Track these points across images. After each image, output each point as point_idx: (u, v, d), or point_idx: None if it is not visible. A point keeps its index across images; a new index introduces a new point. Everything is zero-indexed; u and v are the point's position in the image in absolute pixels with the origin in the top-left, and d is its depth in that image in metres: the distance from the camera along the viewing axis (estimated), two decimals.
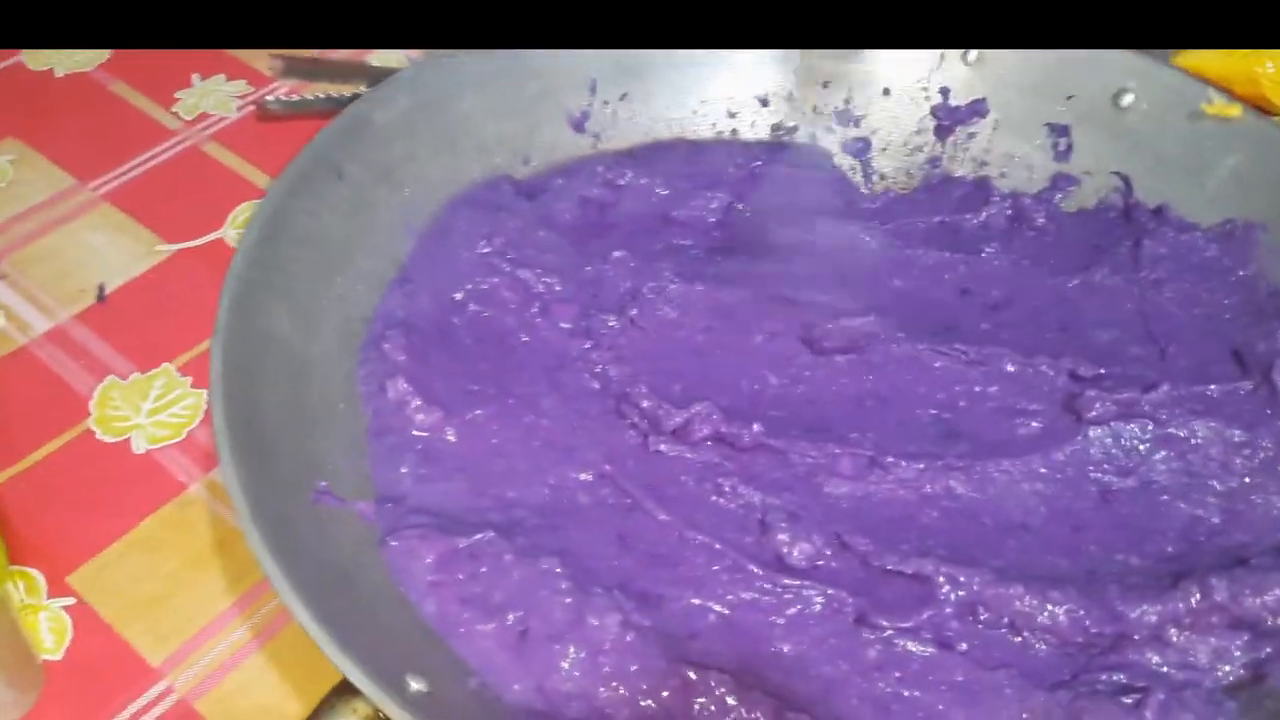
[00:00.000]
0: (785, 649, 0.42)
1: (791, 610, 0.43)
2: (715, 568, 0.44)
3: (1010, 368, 0.51)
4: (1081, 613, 0.42)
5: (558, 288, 0.54)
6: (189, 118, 0.72)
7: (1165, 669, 0.42)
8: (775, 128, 0.63)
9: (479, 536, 0.43)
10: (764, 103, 0.63)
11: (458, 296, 0.53)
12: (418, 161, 0.55)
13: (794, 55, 0.62)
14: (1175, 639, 0.42)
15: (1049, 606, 0.43)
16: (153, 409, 0.58)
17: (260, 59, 0.75)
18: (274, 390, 0.44)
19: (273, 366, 0.45)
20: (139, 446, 0.56)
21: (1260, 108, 0.70)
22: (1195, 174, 0.56)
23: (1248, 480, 0.47)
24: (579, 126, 0.61)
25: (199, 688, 0.48)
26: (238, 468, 0.38)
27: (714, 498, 0.47)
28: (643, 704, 0.40)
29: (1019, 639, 0.43)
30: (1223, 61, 0.70)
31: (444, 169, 0.56)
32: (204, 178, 0.69)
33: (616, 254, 0.55)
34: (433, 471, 0.47)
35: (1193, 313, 0.53)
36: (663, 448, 0.48)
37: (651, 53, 0.61)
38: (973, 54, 0.61)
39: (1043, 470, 0.48)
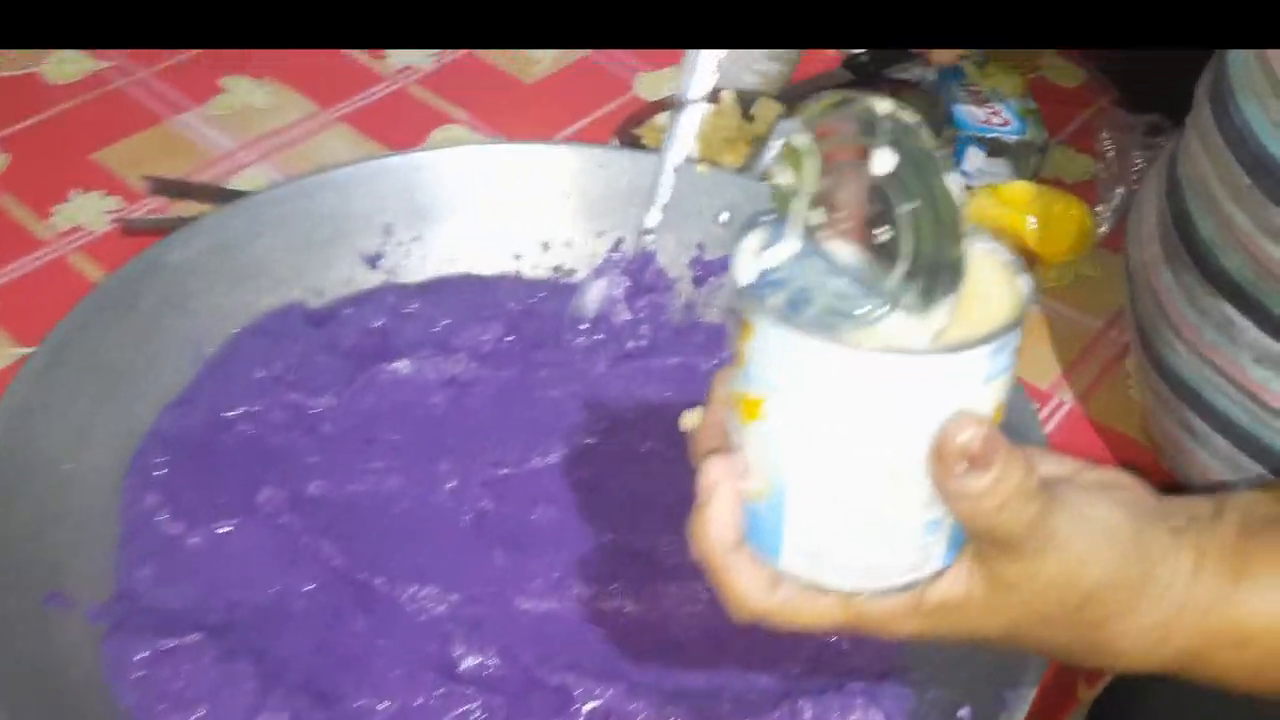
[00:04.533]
0: None
1: (453, 713, 0.51)
2: (396, 672, 0.52)
3: None
4: None
5: (323, 408, 0.62)
6: (63, 229, 0.81)
7: None
8: (555, 269, 0.71)
9: (188, 637, 0.51)
10: (545, 247, 0.71)
11: (229, 416, 0.61)
12: (213, 295, 0.63)
13: (569, 201, 0.70)
14: None
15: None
16: None
17: (135, 178, 0.84)
18: (28, 502, 0.52)
19: (35, 480, 0.53)
20: None
21: (1028, 259, 0.77)
22: None
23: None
24: (373, 264, 0.69)
25: None
26: None
27: (410, 607, 0.54)
28: None
29: None
30: (995, 214, 0.77)
31: (238, 301, 0.64)
32: (66, 288, 0.77)
33: (392, 366, 0.64)
34: (170, 575, 0.54)
35: None
36: None
37: (444, 198, 0.69)
38: (724, 215, 0.69)
39: (706, 595, 0.55)
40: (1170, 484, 0.64)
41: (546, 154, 0.70)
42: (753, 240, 0.35)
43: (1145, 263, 0.61)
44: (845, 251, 0.34)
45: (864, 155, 0.33)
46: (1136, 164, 0.79)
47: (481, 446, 0.61)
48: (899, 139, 0.33)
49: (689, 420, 0.39)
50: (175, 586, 0.54)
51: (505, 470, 0.60)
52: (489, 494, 0.59)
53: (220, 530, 0.56)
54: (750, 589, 0.37)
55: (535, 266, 0.71)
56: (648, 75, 0.92)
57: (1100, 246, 0.79)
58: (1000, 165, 0.82)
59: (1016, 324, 0.33)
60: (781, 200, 0.34)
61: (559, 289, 0.70)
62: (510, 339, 0.67)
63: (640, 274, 0.68)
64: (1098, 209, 0.79)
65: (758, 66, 0.84)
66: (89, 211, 0.82)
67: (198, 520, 0.56)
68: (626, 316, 0.68)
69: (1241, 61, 0.53)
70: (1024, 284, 0.34)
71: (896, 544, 0.35)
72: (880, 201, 0.33)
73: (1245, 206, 0.51)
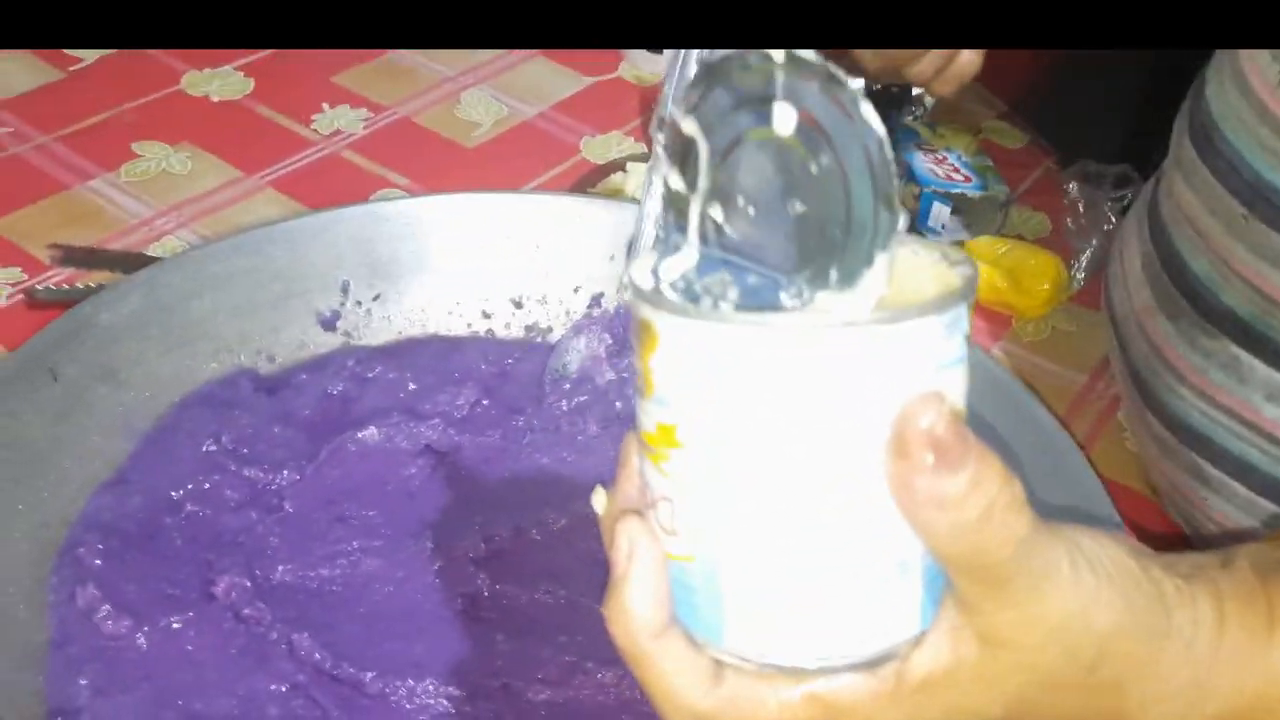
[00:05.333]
0: None
1: None
2: None
3: None
4: None
5: (284, 484, 0.54)
6: None
7: None
8: (529, 328, 0.65)
9: None
10: (518, 304, 0.65)
11: (175, 496, 0.53)
12: (147, 361, 0.55)
13: (542, 254, 0.65)
14: None
15: None
16: None
17: (39, 247, 0.76)
18: None
19: None
20: None
21: (1005, 313, 0.75)
22: None
23: None
24: (329, 325, 0.62)
25: None
26: None
27: (407, 705, 0.46)
28: None
29: None
30: None
31: (177, 368, 0.56)
32: None
33: (359, 435, 0.56)
34: (114, 683, 0.45)
35: None
36: None
37: (406, 252, 0.63)
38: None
39: None
40: (1177, 537, 0.62)
41: (516, 204, 0.65)
42: (649, 254, 0.29)
43: (1135, 310, 0.59)
44: (756, 240, 0.28)
45: (763, 118, 0.27)
46: (1108, 215, 0.78)
47: (468, 520, 0.54)
48: (797, 88, 0.26)
49: (599, 500, 0.31)
50: (121, 697, 0.45)
51: (498, 545, 0.53)
52: (482, 573, 0.51)
53: (173, 626, 0.47)
54: (685, 685, 0.29)
55: (508, 325, 0.65)
56: (594, 139, 0.88)
57: (1072, 301, 0.78)
58: (965, 221, 0.81)
59: (966, 296, 0.27)
60: (675, 204, 0.29)
61: (534, 349, 0.64)
62: (485, 403, 0.60)
63: (623, 330, 0.63)
64: (1070, 263, 0.78)
65: None
66: None
67: (144, 616, 0.47)
68: (610, 376, 0.62)
69: (1221, 95, 0.52)
70: (967, 267, 0.28)
71: (861, 594, 0.28)
72: (790, 166, 0.27)
73: (1243, 238, 0.50)
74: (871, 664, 0.29)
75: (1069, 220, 0.80)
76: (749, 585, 0.28)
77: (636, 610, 0.28)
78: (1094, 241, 0.78)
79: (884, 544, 0.28)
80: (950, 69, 0.70)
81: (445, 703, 0.46)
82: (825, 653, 0.28)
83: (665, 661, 0.29)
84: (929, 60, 0.68)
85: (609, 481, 0.56)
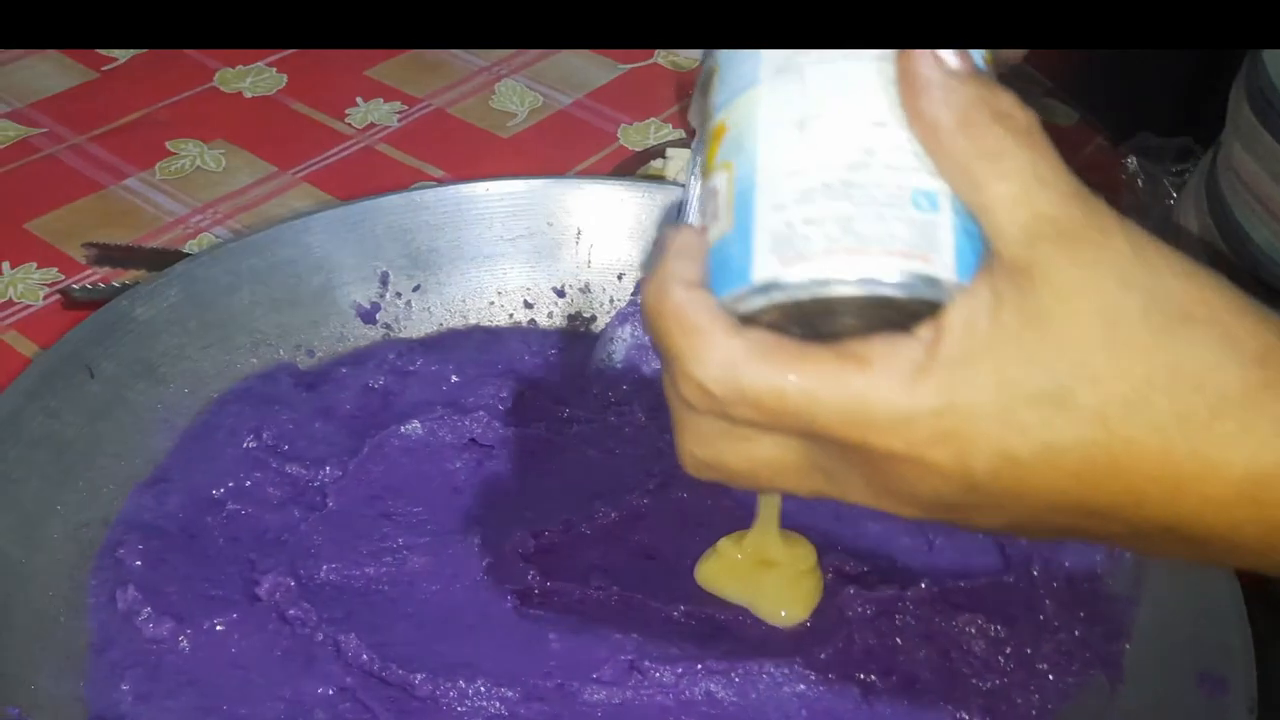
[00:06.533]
0: None
1: None
2: None
3: None
4: None
5: (326, 481, 0.53)
6: None
7: None
8: (572, 317, 0.63)
9: None
10: (560, 293, 0.63)
11: (216, 494, 0.51)
12: (186, 356, 0.54)
13: (585, 242, 0.63)
14: None
15: None
16: None
17: (74, 247, 0.75)
18: None
19: None
20: None
21: None
22: None
23: (1008, 679, 0.46)
24: (369, 318, 0.60)
25: None
26: None
27: (459, 707, 0.45)
28: None
29: None
30: None
31: (216, 363, 0.55)
32: (1, 367, 0.67)
33: (402, 430, 0.55)
34: (157, 688, 0.44)
35: None
36: None
37: (446, 242, 0.61)
38: None
39: (805, 671, 0.46)
40: None
41: (556, 189, 0.63)
42: None
43: None
44: None
45: None
46: (1168, 189, 0.75)
47: (516, 515, 0.52)
48: None
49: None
50: (164, 702, 0.43)
51: (547, 541, 0.51)
52: (532, 569, 0.49)
53: (216, 628, 0.46)
54: (711, 329, 0.27)
55: (550, 315, 0.63)
56: (631, 127, 0.86)
57: None
58: None
59: None
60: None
61: (578, 339, 0.62)
62: (530, 395, 0.58)
63: None
64: None
65: None
66: (23, 285, 0.73)
67: (187, 619, 0.46)
68: (656, 365, 0.60)
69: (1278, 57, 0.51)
70: None
71: (881, 209, 0.27)
72: None
73: None
74: (905, 306, 0.27)
75: (1127, 195, 0.77)
76: (777, 202, 0.28)
77: (673, 267, 0.28)
78: (1154, 216, 0.75)
79: (911, 171, 0.28)
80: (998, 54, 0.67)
81: (498, 704, 0.44)
82: (847, 271, 0.27)
83: (693, 311, 0.28)
84: None
85: (659, 473, 0.54)
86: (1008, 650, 0.46)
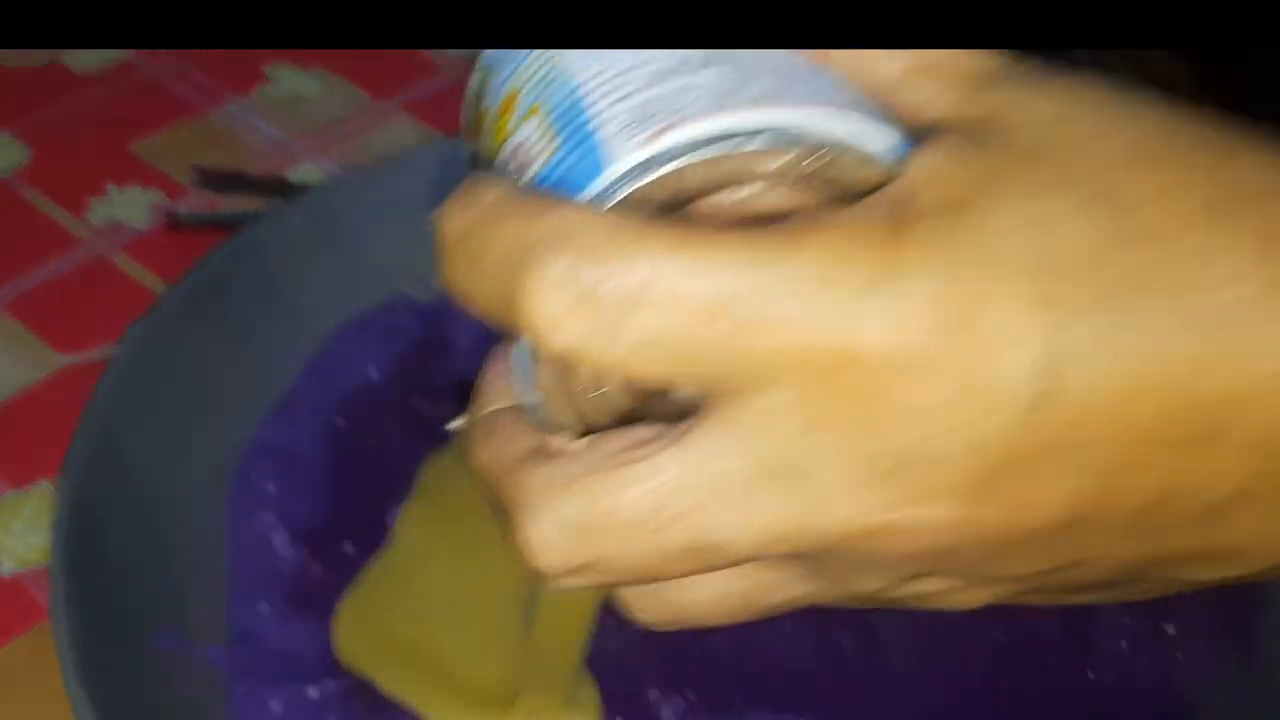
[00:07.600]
0: None
1: None
2: None
3: None
4: None
5: (448, 415, 0.53)
6: (100, 225, 0.72)
7: None
8: None
9: (332, 684, 0.41)
10: None
11: (340, 424, 0.52)
12: (311, 286, 0.54)
13: None
14: None
15: None
16: (24, 528, 0.56)
17: (177, 171, 0.75)
18: (128, 529, 0.42)
19: (131, 502, 0.43)
20: (5, 568, 0.54)
21: None
22: None
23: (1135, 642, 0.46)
24: None
25: None
26: (69, 621, 0.36)
27: None
28: None
29: None
30: None
31: (340, 293, 0.55)
32: (108, 289, 0.68)
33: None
34: (295, 610, 0.45)
35: None
36: None
37: None
38: None
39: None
40: None
41: None
42: None
43: None
44: None
45: None
46: None
47: None
48: None
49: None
50: (302, 623, 0.44)
51: None
52: None
53: (347, 554, 0.47)
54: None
55: None
56: None
57: None
58: None
59: None
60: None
61: None
62: None
63: None
64: None
65: None
66: (130, 207, 0.73)
67: (321, 544, 0.46)
68: None
69: None
70: None
71: (776, 68, 0.21)
72: None
73: None
74: (832, 173, 0.19)
75: None
76: (625, 93, 0.21)
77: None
78: None
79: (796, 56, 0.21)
80: None
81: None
82: (767, 118, 0.19)
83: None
84: None
85: None
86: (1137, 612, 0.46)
